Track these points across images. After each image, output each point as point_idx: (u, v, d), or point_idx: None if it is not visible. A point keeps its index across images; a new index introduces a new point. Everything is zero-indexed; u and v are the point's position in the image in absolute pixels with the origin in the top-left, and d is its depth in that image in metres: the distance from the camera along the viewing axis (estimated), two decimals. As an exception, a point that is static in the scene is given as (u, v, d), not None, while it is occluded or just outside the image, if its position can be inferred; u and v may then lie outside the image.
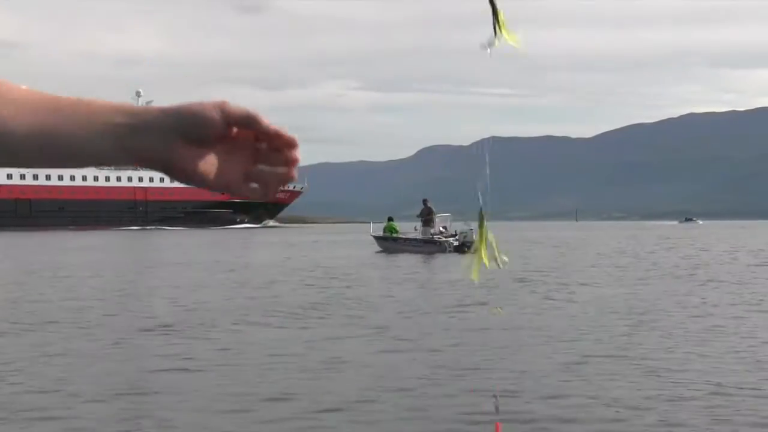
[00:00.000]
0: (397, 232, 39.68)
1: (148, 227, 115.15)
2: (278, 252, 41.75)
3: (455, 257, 32.58)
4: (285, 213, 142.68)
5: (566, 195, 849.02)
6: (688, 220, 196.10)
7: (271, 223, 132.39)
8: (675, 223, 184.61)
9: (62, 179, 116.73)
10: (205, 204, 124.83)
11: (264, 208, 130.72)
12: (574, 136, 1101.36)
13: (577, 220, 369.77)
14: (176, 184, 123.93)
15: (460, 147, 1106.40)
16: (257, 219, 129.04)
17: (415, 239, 38.02)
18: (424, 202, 37.92)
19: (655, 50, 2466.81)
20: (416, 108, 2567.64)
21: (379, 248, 39.22)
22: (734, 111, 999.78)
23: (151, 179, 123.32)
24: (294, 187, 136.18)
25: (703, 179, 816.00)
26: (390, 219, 41.36)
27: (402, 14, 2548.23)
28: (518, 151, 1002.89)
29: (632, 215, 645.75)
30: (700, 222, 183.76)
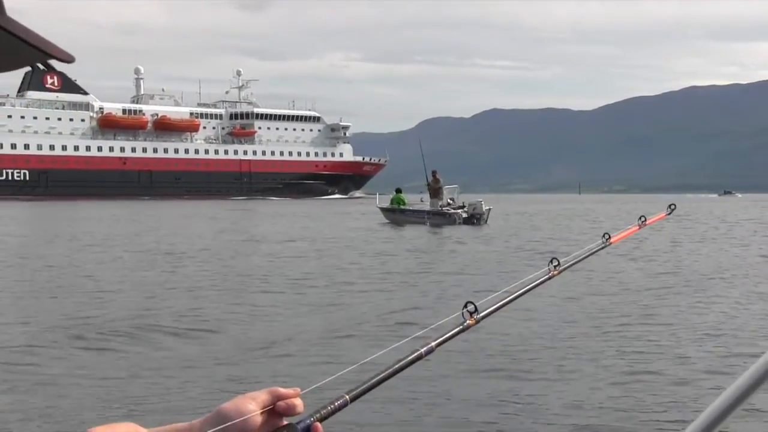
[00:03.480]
0: (405, 203, 38.75)
1: (252, 197, 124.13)
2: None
3: (466, 229, 32.41)
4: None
5: (567, 168, 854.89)
6: (726, 193, 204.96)
7: (357, 194, 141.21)
8: (715, 195, 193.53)
9: (178, 152, 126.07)
10: (302, 176, 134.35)
11: (351, 181, 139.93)
12: (575, 108, 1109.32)
13: (580, 193, 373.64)
14: (276, 157, 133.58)
15: (462, 119, 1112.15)
16: (345, 190, 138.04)
17: (424, 211, 37.12)
18: (433, 173, 36.90)
19: (657, 23, 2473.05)
20: (417, 80, 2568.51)
21: (385, 220, 38.54)
22: (736, 84, 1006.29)
23: (254, 152, 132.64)
24: (379, 160, 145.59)
25: (704, 152, 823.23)
26: (398, 190, 39.97)
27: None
28: (519, 123, 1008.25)
29: (633, 188, 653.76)
30: (739, 195, 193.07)
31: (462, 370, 8.13)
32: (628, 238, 3.09)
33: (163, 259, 20.50)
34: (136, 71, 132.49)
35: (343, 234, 31.09)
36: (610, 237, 2.79)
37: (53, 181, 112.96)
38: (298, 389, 1.22)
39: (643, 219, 3.18)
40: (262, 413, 1.17)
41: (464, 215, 35.44)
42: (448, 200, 37.01)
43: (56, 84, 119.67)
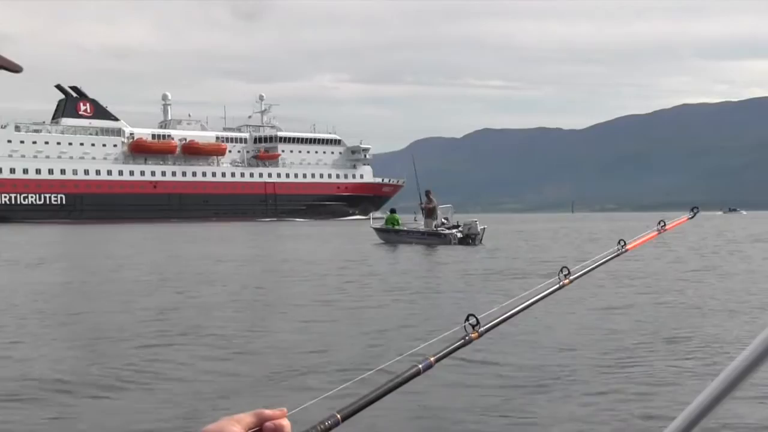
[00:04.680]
0: (399, 223, 38.39)
1: (278, 219, 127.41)
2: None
3: (461, 249, 31.98)
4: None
5: (559, 187, 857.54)
6: (732, 210, 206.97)
7: (377, 214, 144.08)
8: (720, 213, 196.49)
9: (206, 175, 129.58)
10: (324, 197, 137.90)
11: (370, 202, 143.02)
12: (566, 127, 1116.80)
13: (573, 212, 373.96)
14: (300, 180, 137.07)
15: (453, 139, 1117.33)
16: (364, 211, 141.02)
17: (418, 231, 36.66)
18: (427, 193, 36.57)
19: (647, 42, 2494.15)
20: (408, 100, 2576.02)
21: (379, 240, 38.09)
22: (727, 102, 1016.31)
23: (278, 175, 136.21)
24: (397, 181, 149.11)
25: (696, 170, 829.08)
26: (392, 211, 39.99)
27: (392, 5, 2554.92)
28: (511, 142, 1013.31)
29: (625, 206, 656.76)
30: (744, 212, 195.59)
31: (463, 386, 7.94)
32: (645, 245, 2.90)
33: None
34: (164, 97, 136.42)
35: (338, 255, 30.64)
36: (626, 243, 2.69)
37: (88, 204, 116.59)
38: (285, 409, 1.21)
39: (662, 224, 3.03)
40: None
41: (459, 235, 35.08)
42: (443, 220, 36.69)
43: (89, 111, 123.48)
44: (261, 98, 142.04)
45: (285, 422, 1.19)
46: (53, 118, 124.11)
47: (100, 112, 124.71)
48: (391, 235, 37.59)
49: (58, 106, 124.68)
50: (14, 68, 0.97)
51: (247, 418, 1.17)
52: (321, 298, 15.72)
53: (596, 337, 10.84)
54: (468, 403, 7.37)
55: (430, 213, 36.45)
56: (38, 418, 7.13)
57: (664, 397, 7.46)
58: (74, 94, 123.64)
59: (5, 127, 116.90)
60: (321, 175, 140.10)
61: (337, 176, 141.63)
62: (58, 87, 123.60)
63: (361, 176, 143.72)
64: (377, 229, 39.39)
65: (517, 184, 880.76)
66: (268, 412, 1.19)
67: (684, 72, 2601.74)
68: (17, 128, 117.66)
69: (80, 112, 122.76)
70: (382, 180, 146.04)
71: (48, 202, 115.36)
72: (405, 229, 37.91)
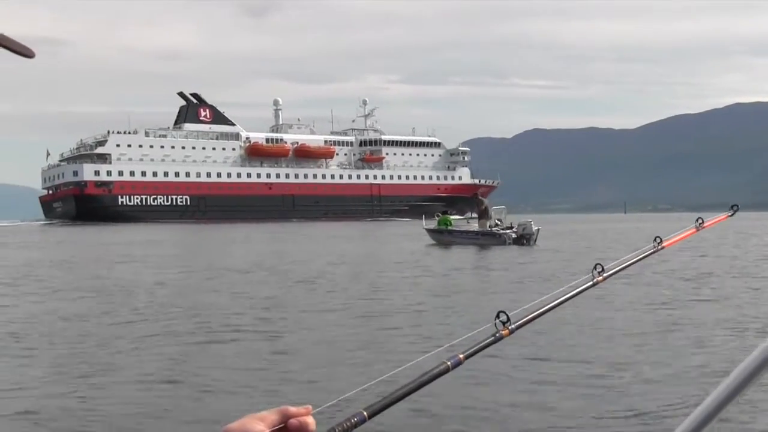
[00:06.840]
0: (451, 224, 38.34)
1: (383, 218, 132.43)
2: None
3: (516, 249, 32.21)
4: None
5: (610, 187, 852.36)
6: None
7: (471, 214, 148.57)
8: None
9: (316, 177, 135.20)
10: (424, 198, 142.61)
11: (467, 203, 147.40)
12: (617, 127, 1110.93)
13: (626, 212, 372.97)
14: (402, 181, 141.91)
15: (503, 139, 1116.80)
16: (461, 211, 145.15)
17: (473, 231, 36.70)
18: (475, 195, 37.87)
19: (699, 40, 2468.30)
20: (457, 100, 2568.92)
21: (432, 241, 37.90)
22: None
23: (383, 177, 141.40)
24: (493, 182, 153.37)
25: (750, 169, 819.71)
26: (444, 212, 40.17)
27: (435, 5, 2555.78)
28: (561, 143, 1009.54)
29: (677, 207, 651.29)
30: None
31: (497, 383, 7.98)
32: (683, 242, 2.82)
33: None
34: (275, 102, 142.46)
35: (391, 256, 31.00)
36: (662, 241, 2.67)
37: (210, 205, 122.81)
38: (309, 407, 1.20)
39: (700, 221, 3.01)
40: None
41: (513, 236, 35.03)
42: (496, 221, 36.62)
43: (208, 116, 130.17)
44: (365, 103, 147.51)
45: (310, 419, 1.17)
46: (175, 123, 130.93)
47: (218, 117, 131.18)
48: (444, 236, 37.46)
49: (180, 112, 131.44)
50: (27, 53, 1.00)
51: (272, 415, 1.16)
52: (375, 297, 16.18)
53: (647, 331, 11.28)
54: (497, 398, 7.53)
55: (483, 214, 36.51)
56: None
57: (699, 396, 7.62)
58: (194, 101, 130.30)
59: (136, 132, 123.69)
60: (422, 177, 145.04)
61: (437, 178, 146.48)
62: (181, 94, 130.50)
63: (459, 178, 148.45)
64: (430, 230, 39.01)
65: (567, 184, 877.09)
66: (292, 409, 1.18)
67: (737, 70, 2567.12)
68: (147, 134, 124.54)
69: (201, 118, 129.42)
70: (479, 181, 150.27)
71: (175, 203, 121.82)
72: (458, 229, 38.14)
